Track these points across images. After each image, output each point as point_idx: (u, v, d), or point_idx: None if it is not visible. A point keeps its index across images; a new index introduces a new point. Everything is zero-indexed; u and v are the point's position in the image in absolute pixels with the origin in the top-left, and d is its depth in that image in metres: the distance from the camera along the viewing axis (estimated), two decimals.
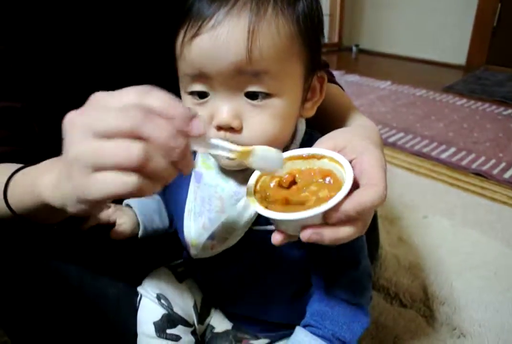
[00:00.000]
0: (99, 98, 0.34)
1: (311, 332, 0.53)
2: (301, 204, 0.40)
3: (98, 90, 0.53)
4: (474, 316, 0.82)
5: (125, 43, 0.60)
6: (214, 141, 0.37)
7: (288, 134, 0.51)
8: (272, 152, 0.41)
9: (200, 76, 0.45)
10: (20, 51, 0.54)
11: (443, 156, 1.65)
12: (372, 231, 0.91)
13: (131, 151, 0.30)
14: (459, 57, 2.97)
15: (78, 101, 0.57)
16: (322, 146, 0.44)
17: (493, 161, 1.61)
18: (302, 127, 0.56)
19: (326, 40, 3.58)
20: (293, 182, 0.43)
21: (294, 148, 0.52)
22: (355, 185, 0.39)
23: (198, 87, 0.47)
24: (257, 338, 0.65)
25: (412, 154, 1.68)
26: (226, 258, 0.58)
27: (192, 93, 0.48)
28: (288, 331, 0.61)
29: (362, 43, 3.50)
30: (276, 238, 0.42)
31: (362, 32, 3.52)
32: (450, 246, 1.02)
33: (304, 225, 0.39)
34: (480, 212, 1.23)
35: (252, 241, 0.55)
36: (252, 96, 0.45)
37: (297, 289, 0.60)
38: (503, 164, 1.58)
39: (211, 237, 0.56)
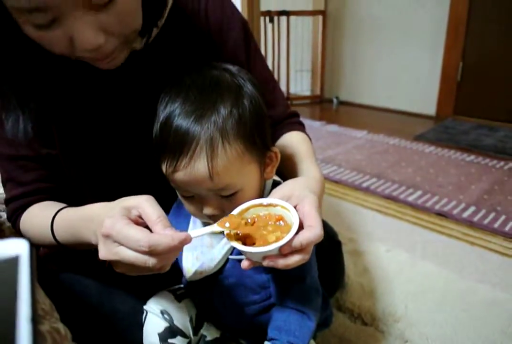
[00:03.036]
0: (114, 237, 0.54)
1: None
2: (265, 242, 0.58)
3: (115, 148, 0.76)
4: (423, 331, 0.98)
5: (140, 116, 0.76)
6: (198, 233, 0.59)
7: (257, 197, 0.69)
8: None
9: (186, 190, 0.64)
10: (52, 112, 0.71)
11: (410, 198, 1.85)
12: (337, 263, 1.07)
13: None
14: (429, 108, 3.25)
15: (98, 148, 0.76)
16: (275, 196, 0.64)
17: (454, 202, 1.80)
18: (269, 182, 0.75)
19: (309, 93, 3.88)
20: (254, 222, 0.62)
21: (270, 181, 0.73)
22: (301, 225, 0.58)
23: (186, 194, 0.66)
24: None
25: (383, 197, 1.87)
26: (212, 281, 0.75)
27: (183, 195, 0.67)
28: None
29: (341, 95, 3.78)
30: (244, 264, 0.60)
31: (342, 85, 3.82)
32: (407, 274, 1.19)
33: (265, 255, 0.56)
34: (438, 247, 1.41)
35: (229, 268, 0.73)
36: (225, 196, 0.64)
37: (266, 305, 0.75)
38: (462, 205, 1.78)
39: (201, 266, 0.73)
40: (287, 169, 0.81)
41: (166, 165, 0.62)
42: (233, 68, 0.68)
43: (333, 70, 3.83)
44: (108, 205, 0.62)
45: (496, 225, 1.60)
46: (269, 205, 0.63)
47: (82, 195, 0.78)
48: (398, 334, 0.98)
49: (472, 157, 2.36)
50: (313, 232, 0.56)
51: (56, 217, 0.70)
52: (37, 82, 0.66)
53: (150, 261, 0.52)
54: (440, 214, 1.70)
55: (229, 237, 0.59)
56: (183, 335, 0.78)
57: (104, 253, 0.55)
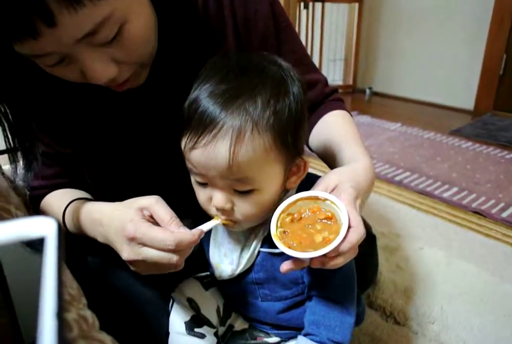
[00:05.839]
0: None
1: (311, 340, 0.66)
2: (312, 241, 0.57)
3: (128, 147, 0.77)
4: (460, 335, 0.93)
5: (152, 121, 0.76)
6: (207, 227, 0.62)
7: (273, 205, 0.63)
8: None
9: (200, 173, 0.60)
10: (66, 116, 0.73)
11: (445, 195, 1.77)
12: (371, 257, 1.03)
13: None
14: (468, 102, 3.12)
15: (113, 150, 0.76)
16: (319, 187, 0.61)
17: (492, 201, 1.72)
18: (292, 191, 0.69)
19: (341, 82, 3.79)
20: (301, 218, 0.60)
21: (292, 192, 0.67)
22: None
23: (199, 179, 0.61)
24: (269, 336, 0.77)
25: (416, 192, 1.81)
26: (241, 275, 0.72)
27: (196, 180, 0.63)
28: (295, 332, 0.74)
29: (375, 86, 3.68)
30: (283, 268, 0.59)
31: (376, 75, 3.72)
32: (443, 274, 1.13)
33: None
34: (475, 246, 1.35)
35: (259, 261, 0.70)
36: (239, 191, 0.60)
37: (296, 301, 0.72)
38: (501, 204, 1.69)
39: (231, 262, 0.71)
40: (332, 157, 0.78)
41: (187, 139, 0.58)
42: (284, 64, 0.62)
43: (367, 59, 3.73)
44: (117, 207, 0.63)
45: None
46: (317, 198, 0.59)
47: (96, 189, 0.80)
48: (433, 336, 0.93)
49: None
50: (357, 233, 0.55)
51: (67, 210, 0.72)
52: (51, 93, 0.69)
53: (175, 258, 0.56)
54: (478, 213, 1.62)
55: (276, 238, 0.57)
56: (210, 324, 0.77)
57: (128, 254, 0.58)
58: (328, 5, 3.39)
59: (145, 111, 0.74)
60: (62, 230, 0.23)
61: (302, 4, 3.24)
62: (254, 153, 0.55)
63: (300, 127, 0.62)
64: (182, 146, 0.60)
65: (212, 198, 0.61)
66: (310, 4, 3.27)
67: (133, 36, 0.54)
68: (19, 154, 0.66)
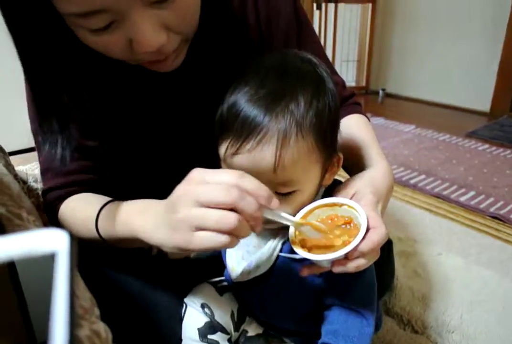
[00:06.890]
0: (200, 175, 0.49)
1: None
2: (332, 245, 0.55)
3: (153, 142, 0.73)
4: None
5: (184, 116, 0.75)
6: (281, 213, 0.54)
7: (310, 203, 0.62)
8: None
9: None
10: (93, 108, 0.69)
11: (462, 199, 1.74)
12: (387, 262, 1.00)
13: (229, 219, 0.45)
14: (483, 104, 3.07)
15: (139, 146, 0.74)
16: (340, 193, 0.61)
17: (511, 205, 1.68)
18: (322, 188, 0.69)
19: (354, 84, 3.76)
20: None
21: (319, 197, 0.66)
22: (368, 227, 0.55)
23: None
24: (284, 342, 0.75)
25: (432, 196, 1.77)
26: (258, 280, 0.70)
27: None
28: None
29: (388, 88, 3.64)
30: (305, 272, 0.58)
31: (389, 77, 3.68)
32: (462, 281, 1.10)
33: (334, 260, 0.54)
34: (494, 252, 1.31)
35: (278, 266, 0.67)
36: (280, 193, 0.58)
37: (311, 307, 0.70)
38: None
39: (248, 265, 0.69)
40: (352, 160, 0.76)
41: (228, 145, 0.56)
42: (316, 61, 0.62)
43: (380, 61, 3.69)
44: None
45: None
46: (334, 204, 0.59)
47: (121, 188, 0.75)
48: None
49: None
50: (378, 233, 0.54)
51: (102, 211, 0.65)
52: (86, 82, 0.65)
53: (233, 215, 0.45)
54: (496, 218, 1.58)
55: (294, 243, 0.56)
56: (224, 331, 0.76)
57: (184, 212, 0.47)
58: (341, 5, 3.37)
59: (174, 102, 0.73)
60: (75, 244, 0.21)
61: (315, 5, 3.22)
62: (299, 156, 0.55)
63: (337, 125, 0.62)
64: (222, 151, 0.58)
65: None
66: (323, 5, 3.25)
67: None
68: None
